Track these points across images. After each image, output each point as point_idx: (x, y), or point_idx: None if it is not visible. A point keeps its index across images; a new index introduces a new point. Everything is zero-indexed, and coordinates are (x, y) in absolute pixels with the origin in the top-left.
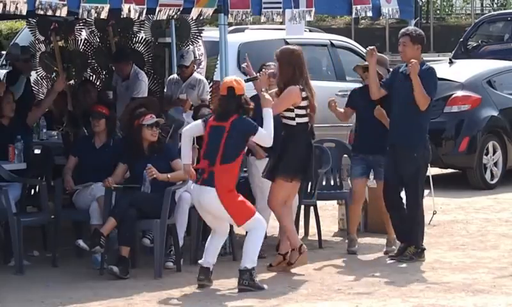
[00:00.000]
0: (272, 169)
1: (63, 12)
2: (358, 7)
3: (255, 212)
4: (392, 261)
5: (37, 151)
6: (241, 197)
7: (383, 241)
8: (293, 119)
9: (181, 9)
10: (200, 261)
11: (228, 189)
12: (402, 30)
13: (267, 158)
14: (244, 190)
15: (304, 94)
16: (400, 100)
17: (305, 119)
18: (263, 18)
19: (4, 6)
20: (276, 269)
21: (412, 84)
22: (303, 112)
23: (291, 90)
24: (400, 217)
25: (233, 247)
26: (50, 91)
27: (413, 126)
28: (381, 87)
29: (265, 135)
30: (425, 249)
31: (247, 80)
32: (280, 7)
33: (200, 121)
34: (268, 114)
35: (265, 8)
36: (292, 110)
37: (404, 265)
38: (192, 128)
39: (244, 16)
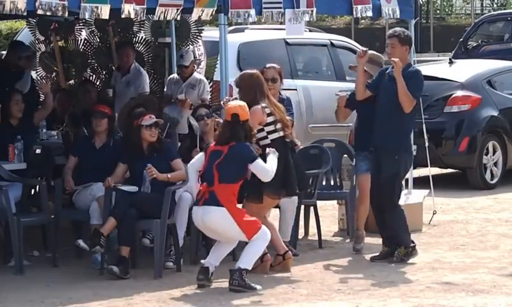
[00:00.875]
0: (258, 189)
1: (63, 12)
2: (358, 7)
3: (262, 225)
4: (373, 262)
5: (37, 151)
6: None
7: None
8: (266, 137)
9: (181, 9)
10: (202, 261)
11: (235, 203)
12: (390, 31)
13: None
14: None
15: (268, 110)
16: (385, 101)
17: (278, 134)
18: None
19: (3, 7)
20: (276, 269)
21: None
22: (272, 128)
23: (254, 110)
24: (383, 220)
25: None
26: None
27: (397, 129)
28: (366, 87)
29: (263, 168)
30: (415, 244)
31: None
32: (280, 8)
33: (201, 153)
34: (272, 153)
35: (265, 8)
36: (262, 130)
37: (394, 265)
38: (195, 163)
39: (245, 17)
